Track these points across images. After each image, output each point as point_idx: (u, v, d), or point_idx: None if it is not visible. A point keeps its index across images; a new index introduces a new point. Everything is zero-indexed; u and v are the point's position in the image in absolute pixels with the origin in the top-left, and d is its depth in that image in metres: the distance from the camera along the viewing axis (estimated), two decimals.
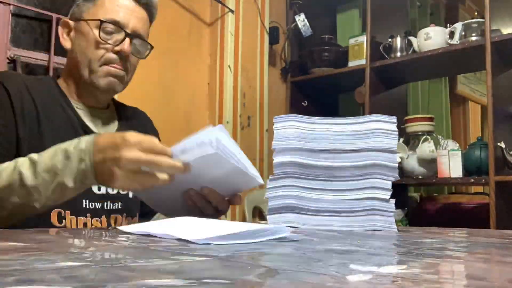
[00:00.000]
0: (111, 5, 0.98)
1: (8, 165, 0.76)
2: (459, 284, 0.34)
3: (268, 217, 0.93)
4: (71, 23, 1.01)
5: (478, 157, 1.98)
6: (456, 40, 2.09)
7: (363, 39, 2.40)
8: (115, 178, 0.73)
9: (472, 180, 1.99)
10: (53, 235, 0.64)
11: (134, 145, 0.72)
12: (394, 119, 0.93)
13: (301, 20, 2.61)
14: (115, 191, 1.00)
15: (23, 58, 1.75)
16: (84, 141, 0.76)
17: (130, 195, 1.03)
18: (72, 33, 1.01)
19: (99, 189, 0.97)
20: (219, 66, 2.34)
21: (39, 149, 0.89)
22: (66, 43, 1.01)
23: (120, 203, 1.00)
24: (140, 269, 0.35)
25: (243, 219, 2.26)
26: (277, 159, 0.93)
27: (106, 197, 0.98)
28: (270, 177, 0.93)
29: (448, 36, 2.13)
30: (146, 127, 1.16)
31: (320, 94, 2.77)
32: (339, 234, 0.76)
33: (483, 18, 2.01)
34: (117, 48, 0.97)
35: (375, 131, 0.91)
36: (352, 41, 2.49)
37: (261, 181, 0.84)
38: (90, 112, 1.02)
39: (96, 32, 0.96)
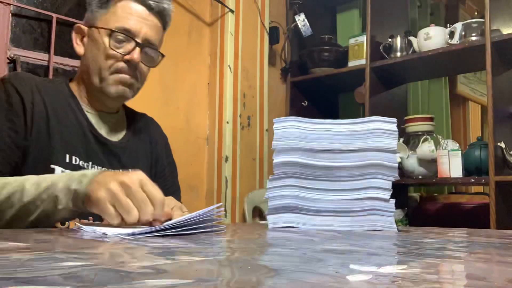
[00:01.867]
0: (124, 13, 0.97)
1: (15, 180, 0.79)
2: (459, 284, 0.34)
3: (268, 217, 0.93)
4: (85, 28, 1.01)
5: (478, 157, 1.98)
6: (456, 40, 2.09)
7: (363, 39, 2.40)
8: (104, 194, 0.71)
9: (472, 180, 1.98)
10: (53, 235, 0.64)
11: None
12: (394, 120, 0.93)
13: (301, 20, 2.61)
14: None
15: (23, 58, 1.74)
16: (90, 171, 0.78)
17: None
18: (85, 39, 1.01)
19: None
20: (219, 66, 2.34)
21: (46, 150, 0.91)
22: (79, 49, 1.01)
23: None
24: (140, 269, 0.35)
25: (243, 219, 2.26)
26: (277, 159, 0.93)
27: None
28: (270, 177, 0.93)
29: (448, 36, 2.13)
30: (154, 133, 1.17)
31: (320, 94, 2.77)
32: (339, 234, 0.76)
33: (483, 18, 2.01)
34: (126, 57, 0.97)
35: (375, 131, 0.91)
36: (352, 41, 2.49)
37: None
38: (99, 116, 1.03)
39: (106, 40, 0.96)
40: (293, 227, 0.91)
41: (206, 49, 2.39)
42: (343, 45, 2.63)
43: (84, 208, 0.75)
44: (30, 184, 0.77)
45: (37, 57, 1.80)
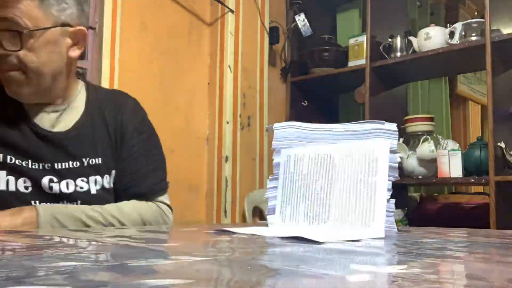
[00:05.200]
0: None
1: None
2: (459, 284, 0.34)
3: (268, 217, 0.93)
4: None
5: (478, 157, 1.98)
6: (456, 40, 2.09)
7: (363, 39, 2.40)
8: None
9: (472, 180, 1.98)
10: (53, 235, 0.64)
11: None
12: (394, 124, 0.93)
13: (301, 20, 2.61)
14: (71, 189, 0.93)
15: None
16: None
17: (93, 191, 0.95)
18: None
19: (50, 188, 0.91)
20: (219, 66, 2.34)
21: None
22: None
23: (79, 202, 0.93)
24: (140, 269, 0.35)
25: (243, 219, 2.26)
26: (277, 159, 0.92)
27: (61, 196, 0.92)
28: (270, 177, 0.93)
29: (448, 36, 2.13)
30: (121, 110, 1.03)
31: (320, 94, 2.77)
32: None
33: (483, 18, 2.01)
34: None
35: (375, 131, 0.91)
36: (352, 41, 2.49)
37: None
38: (42, 108, 0.94)
39: None
40: None
41: (206, 49, 2.39)
42: (343, 45, 2.62)
43: None
44: None
45: None
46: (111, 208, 0.93)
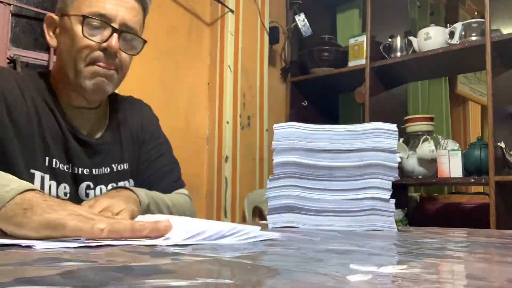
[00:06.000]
0: None
1: None
2: (459, 284, 0.34)
3: (268, 217, 0.93)
4: (56, 18, 0.92)
5: (478, 157, 1.98)
6: (456, 40, 2.09)
7: (363, 39, 2.40)
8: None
9: (472, 180, 1.98)
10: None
11: None
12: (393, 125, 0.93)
13: (301, 20, 2.61)
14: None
15: (23, 58, 1.75)
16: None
17: None
18: (57, 30, 0.92)
19: (86, 195, 0.92)
20: (219, 66, 2.34)
21: (27, 154, 0.85)
22: (52, 41, 0.93)
23: None
24: (140, 269, 0.35)
25: (243, 219, 2.26)
26: (277, 159, 0.93)
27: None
28: (270, 177, 0.93)
29: (448, 36, 2.13)
30: (139, 117, 1.07)
31: (320, 94, 2.78)
32: (339, 234, 0.76)
33: (483, 18, 2.01)
34: (103, 45, 0.86)
35: (374, 131, 0.91)
36: (352, 41, 2.49)
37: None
38: (80, 113, 0.95)
39: (79, 28, 0.86)
40: (293, 227, 0.91)
41: (206, 49, 2.39)
42: (343, 45, 2.63)
43: None
44: None
45: (37, 57, 1.80)
46: (165, 198, 0.97)
